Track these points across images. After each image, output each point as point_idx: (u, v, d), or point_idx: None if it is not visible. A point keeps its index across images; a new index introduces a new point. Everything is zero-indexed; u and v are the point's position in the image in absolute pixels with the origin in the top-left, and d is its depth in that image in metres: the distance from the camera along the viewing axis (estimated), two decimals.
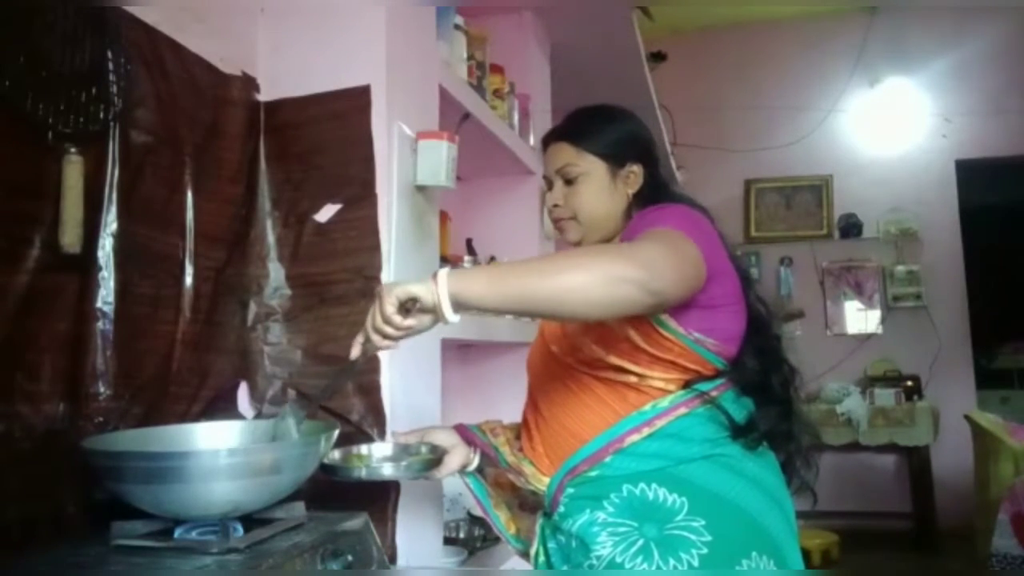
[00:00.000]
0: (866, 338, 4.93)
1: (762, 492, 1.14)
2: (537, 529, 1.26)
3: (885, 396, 4.48)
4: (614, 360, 1.16)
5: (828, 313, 5.02)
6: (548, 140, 1.39)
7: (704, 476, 1.12)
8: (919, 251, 4.87)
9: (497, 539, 2.03)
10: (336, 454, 1.30)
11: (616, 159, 1.33)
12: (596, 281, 0.98)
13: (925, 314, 4.82)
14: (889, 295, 4.91)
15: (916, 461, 4.49)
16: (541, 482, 1.23)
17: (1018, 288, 6.18)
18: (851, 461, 4.71)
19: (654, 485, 1.12)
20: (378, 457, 1.36)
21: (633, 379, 1.17)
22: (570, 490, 1.18)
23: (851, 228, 4.94)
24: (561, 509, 1.18)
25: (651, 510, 1.11)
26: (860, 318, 4.99)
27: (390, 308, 0.99)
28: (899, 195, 4.92)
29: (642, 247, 1.04)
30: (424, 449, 1.34)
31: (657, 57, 4.56)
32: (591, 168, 1.32)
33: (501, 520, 1.39)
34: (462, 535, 2.04)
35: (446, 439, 1.35)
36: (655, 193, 1.33)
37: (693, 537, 1.08)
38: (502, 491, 1.41)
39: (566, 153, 1.34)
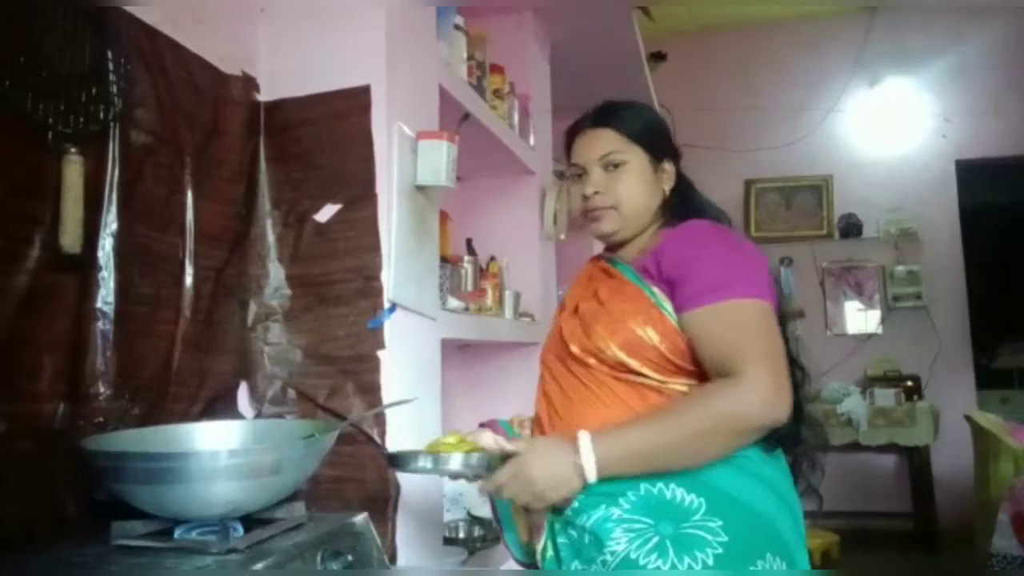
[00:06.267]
0: (866, 338, 4.93)
1: (775, 494, 1.14)
2: (545, 524, 1.24)
3: (885, 396, 4.47)
4: (636, 366, 1.16)
5: (828, 313, 5.02)
6: (583, 127, 1.34)
7: (723, 478, 1.12)
8: (919, 251, 4.86)
9: (497, 539, 2.03)
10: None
11: (656, 152, 1.31)
12: (727, 448, 1.11)
13: (925, 314, 4.81)
14: (889, 295, 4.91)
15: (916, 461, 4.49)
16: None
17: (1018, 288, 6.18)
18: (851, 461, 4.70)
19: (672, 485, 1.11)
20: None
21: (654, 382, 1.17)
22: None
23: (851, 228, 4.94)
24: (575, 505, 1.16)
25: (668, 509, 1.10)
26: (860, 318, 4.98)
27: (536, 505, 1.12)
28: (899, 195, 4.91)
29: (751, 395, 1.07)
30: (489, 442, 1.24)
31: (657, 57, 4.56)
32: (635, 158, 1.29)
33: (517, 528, 1.36)
34: (462, 535, 2.04)
35: (489, 440, 1.30)
36: (684, 196, 1.33)
37: (709, 537, 1.07)
38: None
39: (611, 140, 1.29)
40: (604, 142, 1.30)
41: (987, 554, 3.07)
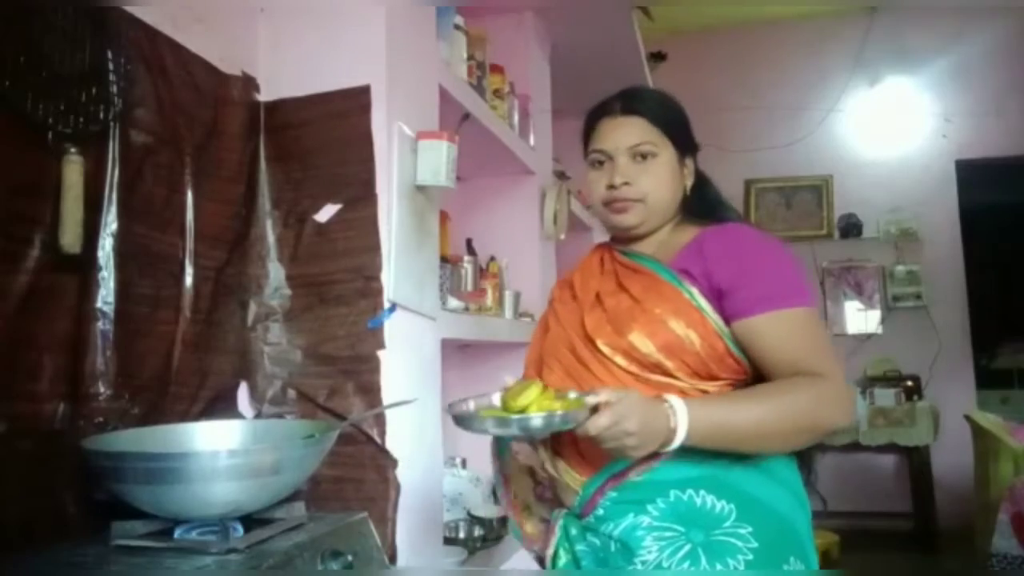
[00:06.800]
0: (866, 338, 4.92)
1: (794, 495, 1.13)
2: (557, 529, 1.20)
3: (885, 396, 4.47)
4: (672, 368, 1.12)
5: (828, 313, 5.01)
6: (610, 112, 1.27)
7: (750, 482, 1.10)
8: (919, 251, 4.86)
9: (497, 539, 2.03)
10: (470, 404, 1.11)
11: (682, 146, 1.27)
12: (800, 445, 1.12)
13: (925, 314, 4.81)
14: (889, 295, 4.90)
15: (916, 461, 4.49)
16: (574, 479, 1.17)
17: (1018, 288, 6.18)
18: (851, 461, 4.70)
19: (702, 492, 1.09)
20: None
21: (683, 385, 1.13)
22: (612, 494, 1.13)
23: (851, 228, 4.94)
24: (600, 512, 1.13)
25: (698, 516, 1.08)
26: (860, 318, 4.98)
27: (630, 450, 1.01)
28: (899, 195, 4.91)
29: (838, 396, 1.08)
30: (573, 394, 1.09)
31: (657, 57, 4.55)
32: (665, 151, 1.24)
33: (524, 526, 1.31)
34: (462, 535, 2.04)
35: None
36: (702, 193, 1.29)
37: (740, 544, 1.06)
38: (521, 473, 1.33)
39: (643, 129, 1.23)
40: (636, 131, 1.23)
41: (987, 554, 3.07)
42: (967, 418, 3.61)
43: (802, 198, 5.14)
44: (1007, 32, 4.79)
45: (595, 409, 1.00)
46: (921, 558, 4.23)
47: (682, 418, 1.01)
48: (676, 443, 1.02)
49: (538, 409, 1.01)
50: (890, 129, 5.01)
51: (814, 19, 5.11)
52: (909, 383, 4.62)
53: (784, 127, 5.11)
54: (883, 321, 4.93)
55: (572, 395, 1.07)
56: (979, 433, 3.45)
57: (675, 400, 1.03)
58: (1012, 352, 6.10)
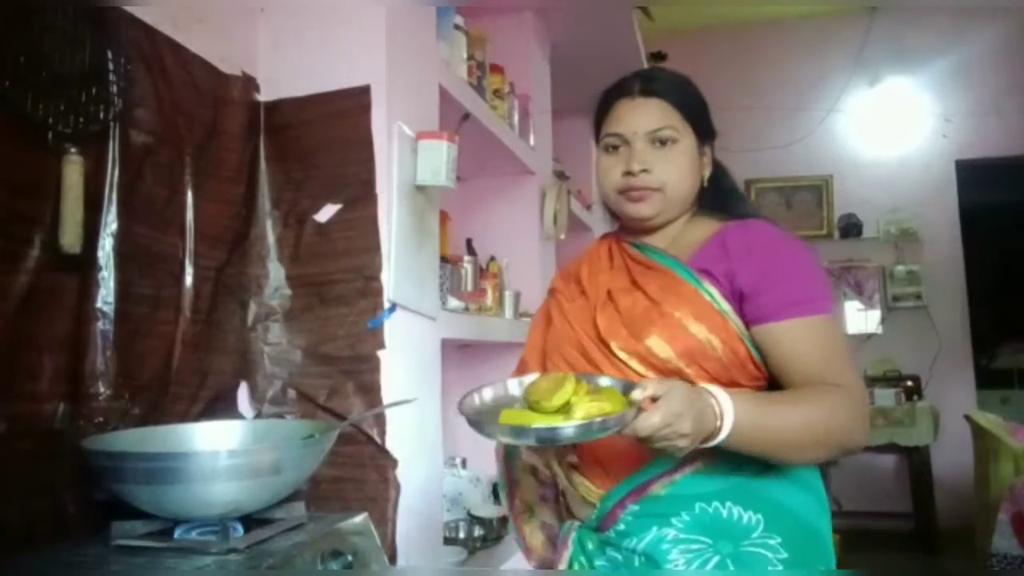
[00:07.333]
0: (866, 338, 4.92)
1: (818, 501, 1.11)
2: (571, 543, 1.15)
3: (885, 396, 4.47)
4: (691, 374, 1.06)
5: None
6: (628, 93, 1.18)
7: (776, 491, 1.07)
8: (919, 251, 4.87)
9: (497, 539, 2.03)
10: (486, 395, 1.03)
11: (701, 134, 1.19)
12: (821, 459, 1.07)
13: (925, 314, 4.81)
14: (889, 295, 4.91)
15: (916, 461, 4.49)
16: (591, 492, 1.13)
17: (1018, 288, 6.18)
18: (851, 461, 4.69)
19: (728, 503, 1.05)
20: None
21: None
22: (634, 508, 1.08)
23: (851, 228, 4.94)
24: (621, 527, 1.08)
25: (726, 528, 1.04)
26: (860, 318, 4.98)
27: (678, 447, 0.93)
28: (899, 195, 4.91)
29: (860, 411, 1.06)
30: (607, 381, 1.01)
31: (657, 57, 4.55)
32: (687, 137, 1.16)
33: (529, 536, 1.28)
34: (462, 535, 2.04)
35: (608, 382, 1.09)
36: (719, 184, 1.22)
37: (769, 555, 1.03)
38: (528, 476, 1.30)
39: (665, 113, 1.15)
40: (656, 114, 1.15)
41: (987, 554, 3.07)
42: (967, 418, 3.61)
43: (802, 198, 5.14)
44: (1007, 32, 4.79)
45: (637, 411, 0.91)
46: (921, 558, 4.24)
47: (728, 415, 0.96)
48: (719, 440, 0.96)
49: (578, 408, 0.92)
50: (890, 129, 5.01)
51: (814, 19, 5.11)
52: (909, 383, 4.62)
53: (784, 127, 5.11)
54: (883, 321, 4.93)
55: (604, 381, 1.00)
56: (979, 433, 3.45)
57: (720, 395, 0.96)
58: (1012, 352, 6.10)
